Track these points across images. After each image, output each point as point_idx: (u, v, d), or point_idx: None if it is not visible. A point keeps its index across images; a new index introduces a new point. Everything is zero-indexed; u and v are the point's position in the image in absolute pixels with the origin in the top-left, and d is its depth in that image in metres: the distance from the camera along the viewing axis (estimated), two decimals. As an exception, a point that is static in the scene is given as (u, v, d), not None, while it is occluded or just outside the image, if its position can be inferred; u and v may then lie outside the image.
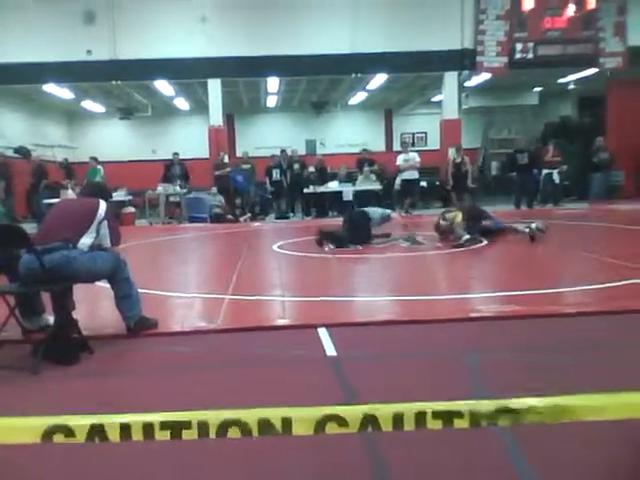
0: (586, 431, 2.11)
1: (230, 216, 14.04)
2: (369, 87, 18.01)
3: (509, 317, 4.33)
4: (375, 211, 9.12)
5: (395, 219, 10.92)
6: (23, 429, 1.13)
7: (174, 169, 14.93)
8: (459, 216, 8.41)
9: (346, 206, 14.44)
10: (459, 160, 14.56)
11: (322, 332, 4.04)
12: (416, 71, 15.70)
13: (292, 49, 14.33)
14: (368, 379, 3.22)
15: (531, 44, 14.75)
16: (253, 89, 18.68)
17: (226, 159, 15.08)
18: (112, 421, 1.11)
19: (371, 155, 16.04)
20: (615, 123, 16.53)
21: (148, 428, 1.12)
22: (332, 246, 8.22)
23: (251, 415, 1.15)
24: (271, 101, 20.74)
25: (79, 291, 4.22)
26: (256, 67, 14.84)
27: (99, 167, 14.89)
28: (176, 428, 1.12)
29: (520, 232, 8.40)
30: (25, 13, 14.08)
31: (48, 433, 1.10)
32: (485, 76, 15.77)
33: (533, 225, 8.36)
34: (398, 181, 14.86)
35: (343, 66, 14.98)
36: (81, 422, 1.10)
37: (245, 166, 15.77)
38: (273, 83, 17.21)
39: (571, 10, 14.34)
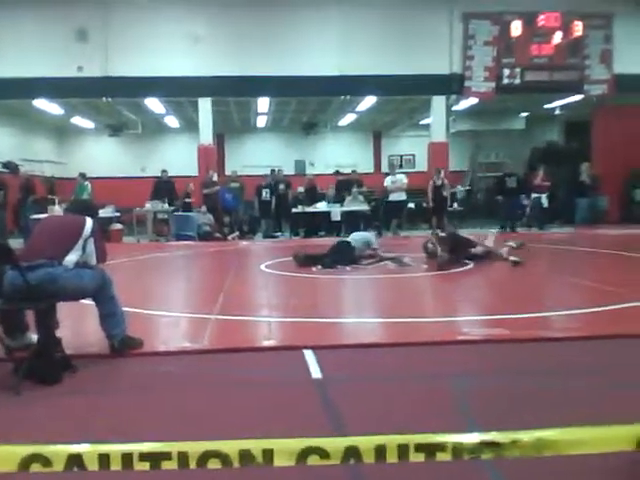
0: (571, 463, 2.10)
1: (218, 234, 14.01)
2: (358, 109, 18.16)
3: (495, 341, 4.33)
4: (359, 239, 9.16)
5: (382, 241, 10.92)
6: (0, 457, 1.10)
7: (163, 186, 14.91)
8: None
9: (334, 227, 14.51)
10: (439, 183, 14.66)
11: (308, 354, 4.01)
12: (405, 94, 15.87)
13: (283, 70, 14.43)
14: (353, 403, 3.20)
15: (518, 70, 14.97)
16: (243, 109, 18.77)
17: (215, 178, 15.08)
18: (90, 450, 1.09)
19: (360, 176, 16.22)
20: (601, 149, 16.75)
21: (127, 458, 1.10)
22: (320, 266, 8.24)
23: (232, 446, 1.13)
24: (261, 121, 20.84)
25: (63, 309, 4.18)
26: (247, 87, 14.92)
27: (87, 183, 14.82)
28: (156, 459, 1.10)
29: (503, 258, 8.53)
30: (17, 29, 14.10)
31: (25, 462, 1.07)
32: (473, 100, 15.97)
33: (511, 242, 8.99)
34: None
35: (333, 88, 15.10)
36: (59, 451, 1.08)
37: (234, 185, 15.80)
38: (263, 103, 17.31)
39: (558, 37, 14.58)
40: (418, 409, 3.12)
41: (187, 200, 15.17)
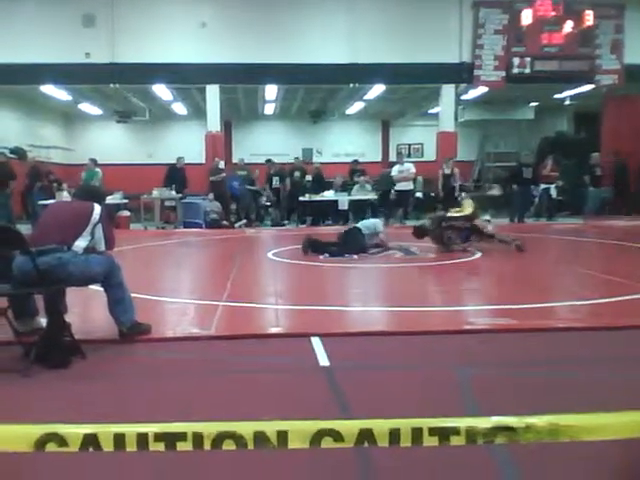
0: (585, 449, 2.09)
1: (225, 222, 14.02)
2: (367, 97, 18.06)
3: (502, 330, 4.33)
4: (368, 226, 9.11)
5: (388, 230, 10.90)
6: (16, 437, 1.11)
7: (176, 173, 14.89)
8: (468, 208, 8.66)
9: (341, 215, 14.49)
10: (448, 172, 14.60)
11: (315, 341, 4.02)
12: (414, 83, 15.79)
13: (291, 57, 14.36)
14: (360, 390, 3.21)
15: (528, 59, 14.84)
16: (251, 96, 18.70)
17: (221, 165, 15.07)
18: (106, 430, 1.10)
19: (364, 165, 16.24)
20: (610, 139, 16.63)
21: (142, 439, 1.10)
22: (327, 255, 8.23)
23: (247, 427, 1.14)
24: (269, 109, 20.77)
25: (72, 294, 4.20)
26: (255, 74, 14.86)
27: (97, 170, 14.74)
28: (171, 439, 1.11)
29: (508, 242, 8.60)
30: (25, 14, 14.08)
31: (41, 442, 1.08)
32: (482, 90, 15.86)
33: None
34: (393, 191, 14.90)
35: (341, 76, 15.02)
36: (75, 431, 1.09)
37: (241, 172, 15.77)
38: (271, 91, 17.24)
39: (569, 27, 14.43)
40: (424, 397, 3.12)
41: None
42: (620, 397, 2.92)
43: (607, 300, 5.23)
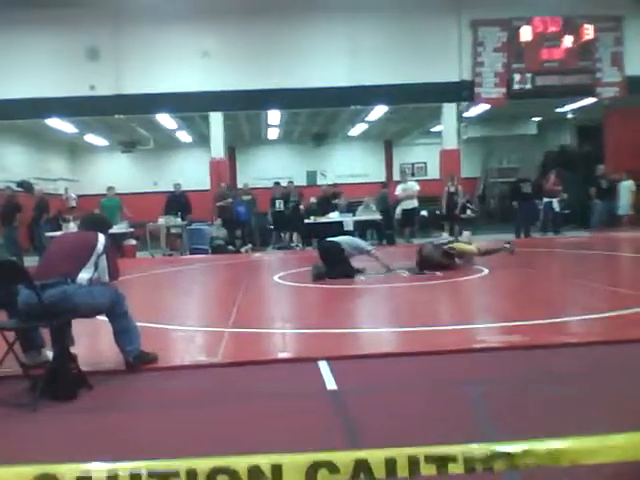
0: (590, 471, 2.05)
1: (231, 247, 14.04)
2: (369, 118, 18.19)
3: (513, 347, 4.28)
4: (349, 241, 8.81)
5: (394, 249, 10.87)
6: (10, 478, 1.10)
7: (176, 200, 14.98)
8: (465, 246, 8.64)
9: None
10: (453, 190, 14.63)
11: (322, 365, 4.00)
12: (415, 103, 15.86)
13: (292, 82, 14.51)
14: (368, 413, 3.18)
15: (529, 75, 14.92)
16: (254, 121, 18.87)
17: (227, 190, 15.17)
18: (99, 469, 1.08)
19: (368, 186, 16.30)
20: (614, 151, 16.62)
21: (136, 477, 1.09)
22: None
23: (241, 462, 1.12)
24: (272, 133, 20.94)
25: (78, 325, 4.20)
26: (257, 100, 15.02)
27: (117, 198, 15.01)
28: (164, 476, 1.09)
29: (496, 250, 8.81)
30: (29, 49, 14.33)
31: (36, 482, 1.07)
32: (484, 107, 15.93)
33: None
34: (398, 210, 14.91)
35: (343, 98, 15.15)
36: (68, 470, 1.08)
37: (246, 197, 15.80)
38: (274, 116, 17.40)
39: (568, 41, 14.53)
40: (435, 419, 3.08)
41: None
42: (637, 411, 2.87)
43: (618, 313, 5.17)
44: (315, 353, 4.29)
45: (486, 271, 8.26)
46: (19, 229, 13.58)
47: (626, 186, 15.34)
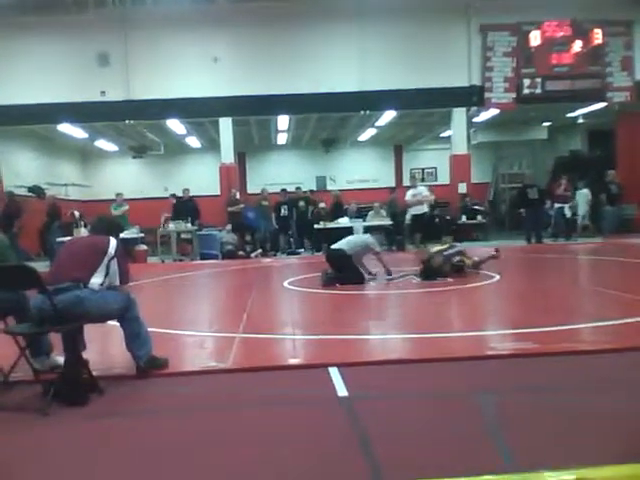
0: None
1: (241, 252, 14.05)
2: (378, 124, 18.18)
3: (524, 355, 4.24)
4: (355, 240, 8.81)
5: (404, 255, 10.83)
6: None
7: (184, 205, 15.01)
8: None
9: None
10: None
11: (333, 372, 3.97)
12: (424, 108, 15.87)
13: (302, 88, 14.54)
14: (379, 420, 3.15)
15: (539, 79, 14.88)
16: (264, 127, 18.92)
17: (237, 196, 15.18)
18: None
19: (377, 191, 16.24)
20: (625, 156, 16.51)
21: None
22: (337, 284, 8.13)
23: None
24: (281, 139, 20.97)
25: (89, 330, 4.20)
26: (266, 106, 15.06)
27: (126, 205, 15.17)
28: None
29: (483, 261, 8.88)
30: (40, 55, 14.46)
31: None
32: (493, 112, 15.89)
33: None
34: (408, 216, 14.84)
35: (352, 104, 15.17)
36: None
37: (264, 203, 15.75)
38: (283, 121, 17.43)
39: (578, 46, 14.48)
40: (446, 427, 3.05)
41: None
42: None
43: (632, 320, 5.11)
44: (326, 359, 4.26)
45: (497, 277, 8.21)
46: (19, 236, 13.23)
47: None
